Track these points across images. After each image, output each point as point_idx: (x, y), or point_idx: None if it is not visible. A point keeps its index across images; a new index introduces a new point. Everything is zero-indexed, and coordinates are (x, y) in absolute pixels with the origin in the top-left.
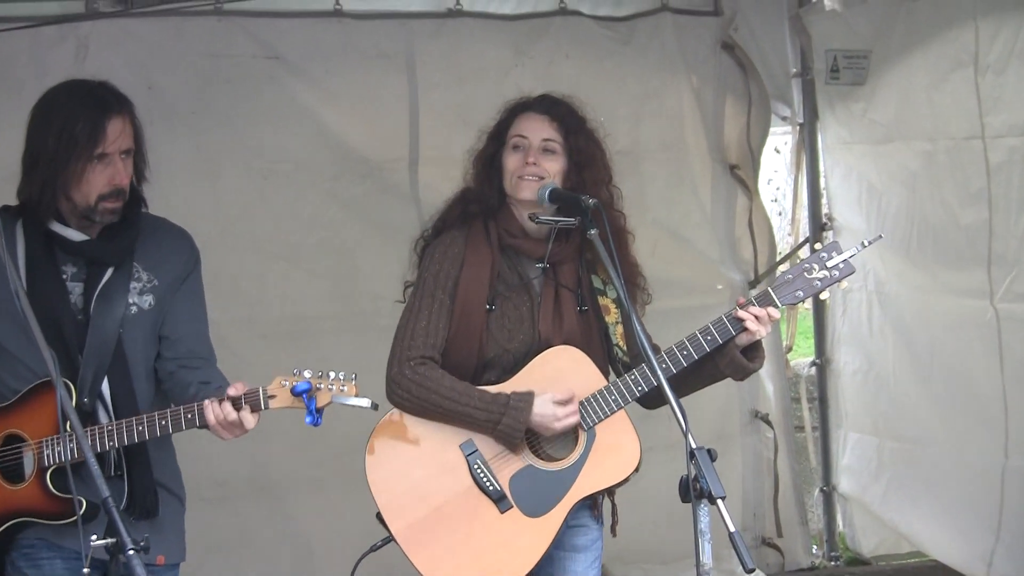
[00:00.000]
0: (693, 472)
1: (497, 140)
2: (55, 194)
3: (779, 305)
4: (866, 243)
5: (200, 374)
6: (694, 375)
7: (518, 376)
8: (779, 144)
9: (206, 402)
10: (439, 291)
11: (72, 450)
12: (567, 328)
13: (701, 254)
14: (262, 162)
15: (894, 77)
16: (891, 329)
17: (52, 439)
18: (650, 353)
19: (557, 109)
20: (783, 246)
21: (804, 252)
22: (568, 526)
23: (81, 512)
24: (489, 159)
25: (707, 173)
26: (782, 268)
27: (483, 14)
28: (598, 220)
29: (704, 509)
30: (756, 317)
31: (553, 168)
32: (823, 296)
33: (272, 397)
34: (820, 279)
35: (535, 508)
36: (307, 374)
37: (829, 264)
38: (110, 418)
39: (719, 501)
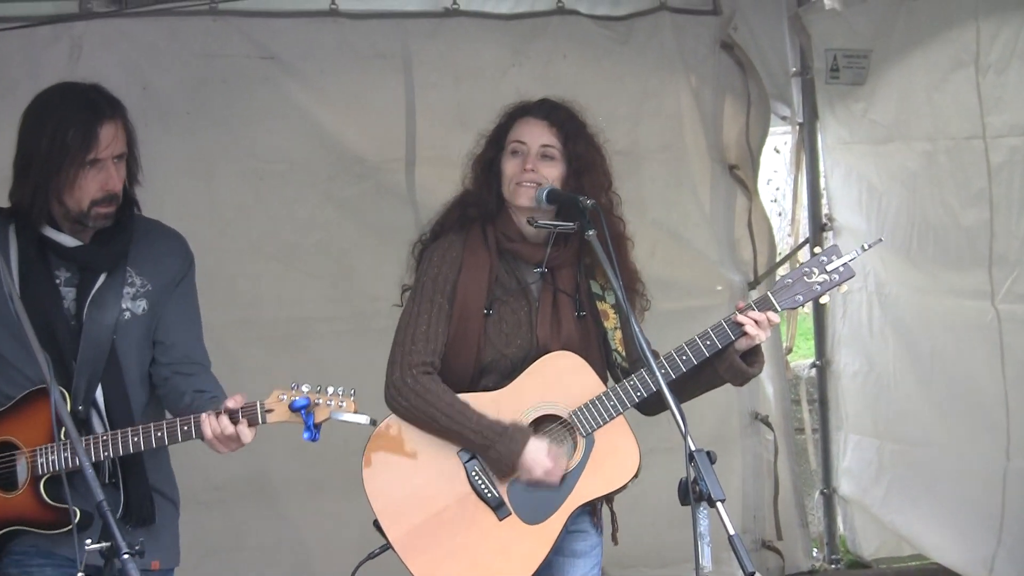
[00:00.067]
0: (692, 475)
1: (496, 144)
2: (47, 199)
3: (778, 309)
4: (866, 246)
5: (195, 381)
6: (693, 381)
7: (516, 381)
8: (779, 144)
9: (203, 415)
10: (438, 295)
11: (67, 459)
12: (565, 333)
13: (700, 255)
14: (257, 163)
15: (894, 77)
16: (892, 330)
17: (46, 447)
18: (650, 356)
19: (556, 114)
20: (783, 247)
21: (804, 252)
22: (568, 531)
23: (75, 522)
24: (488, 163)
25: (706, 173)
26: (782, 269)
27: (480, 13)
28: (596, 221)
29: (703, 512)
30: (755, 321)
31: (551, 174)
32: (823, 300)
33: (269, 411)
34: (820, 283)
35: (534, 515)
36: (305, 389)
37: (829, 268)
38: (104, 426)
39: (719, 504)
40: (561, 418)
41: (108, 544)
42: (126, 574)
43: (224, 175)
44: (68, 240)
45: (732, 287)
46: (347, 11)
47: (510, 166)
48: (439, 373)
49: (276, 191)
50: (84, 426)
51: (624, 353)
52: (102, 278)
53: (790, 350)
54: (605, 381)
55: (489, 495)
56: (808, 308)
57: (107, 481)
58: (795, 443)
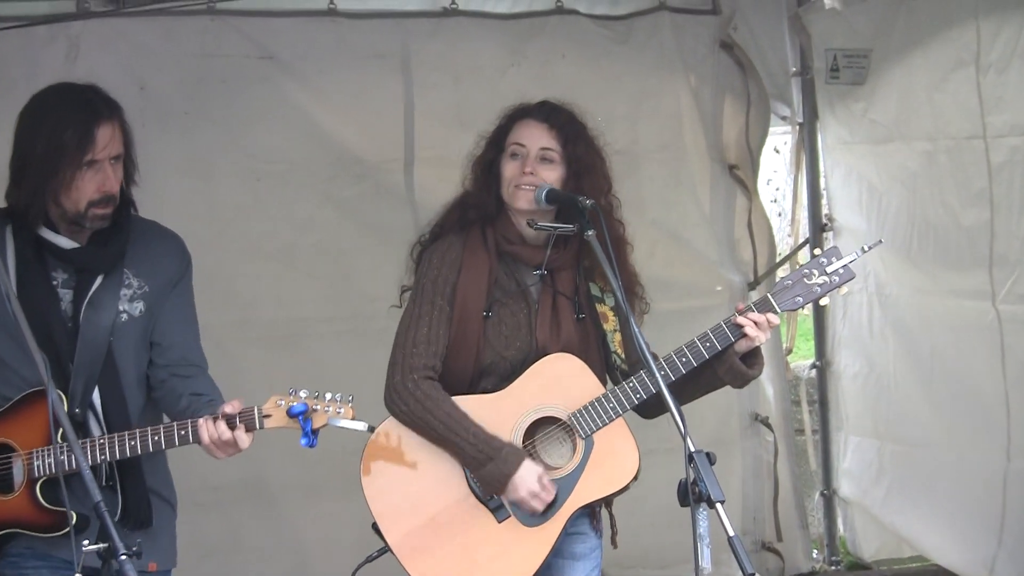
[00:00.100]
0: (692, 476)
1: (496, 146)
2: (44, 200)
3: (778, 311)
4: (866, 248)
5: (192, 384)
6: (692, 383)
7: (515, 384)
8: (778, 144)
9: (200, 420)
10: (438, 297)
11: (63, 461)
12: (565, 336)
13: (700, 255)
14: (256, 163)
15: (895, 76)
16: (892, 331)
17: (42, 450)
18: (649, 357)
19: (557, 117)
20: (783, 247)
21: (804, 253)
22: (567, 533)
23: (72, 525)
24: (488, 165)
25: (706, 173)
26: (782, 269)
27: (479, 13)
28: (595, 221)
29: (703, 513)
30: (755, 323)
31: (550, 177)
32: (823, 302)
33: (267, 417)
34: (820, 285)
35: (533, 517)
36: (303, 394)
37: (829, 270)
38: (102, 428)
39: (718, 505)
40: (560, 420)
41: (106, 545)
42: (124, 575)
43: (222, 175)
44: (65, 242)
45: (732, 287)
46: (345, 11)
47: (509, 168)
48: (439, 375)
49: (275, 191)
50: (81, 429)
51: (623, 355)
52: (99, 280)
53: (790, 351)
54: (604, 383)
55: (488, 498)
56: (808, 309)
57: (104, 484)
58: (795, 444)
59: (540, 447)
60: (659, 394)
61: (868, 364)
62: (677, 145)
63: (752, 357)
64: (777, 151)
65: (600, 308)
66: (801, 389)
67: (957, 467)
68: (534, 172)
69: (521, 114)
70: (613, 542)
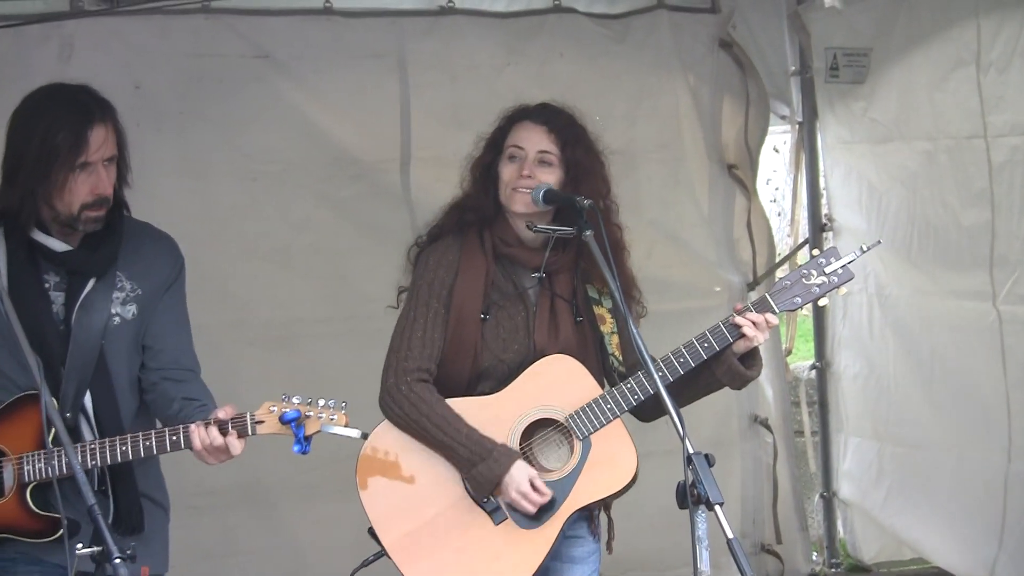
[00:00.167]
0: (691, 478)
1: (494, 148)
2: (36, 203)
3: (777, 311)
4: (865, 248)
5: (184, 388)
6: (691, 385)
7: (513, 385)
8: (778, 143)
9: (192, 426)
10: (434, 300)
11: (54, 467)
12: (563, 338)
13: (699, 256)
14: (251, 163)
15: (895, 75)
16: (892, 332)
17: (33, 455)
18: (647, 358)
19: (556, 120)
20: (782, 247)
21: (803, 253)
22: (565, 536)
23: (63, 531)
24: (486, 167)
25: (704, 173)
26: (781, 270)
27: (476, 12)
28: (593, 221)
29: (702, 515)
30: (754, 323)
31: (548, 181)
32: (821, 303)
33: (259, 423)
34: (818, 285)
35: (530, 520)
36: (296, 400)
37: (828, 270)
38: (93, 433)
39: (717, 507)
40: (558, 422)
41: (99, 549)
42: None
43: (217, 175)
44: (57, 244)
45: (731, 288)
46: (341, 9)
47: (507, 171)
48: (436, 378)
49: (270, 191)
50: (73, 433)
51: (621, 357)
52: (91, 283)
53: (789, 352)
54: (602, 385)
55: (485, 500)
56: (807, 309)
57: (96, 488)
58: (795, 446)
59: (537, 449)
60: (657, 395)
61: (868, 365)
62: (676, 145)
63: (751, 358)
64: (776, 151)
65: (598, 310)
66: (801, 390)
67: (957, 469)
68: (532, 175)
69: (520, 116)
70: (608, 547)
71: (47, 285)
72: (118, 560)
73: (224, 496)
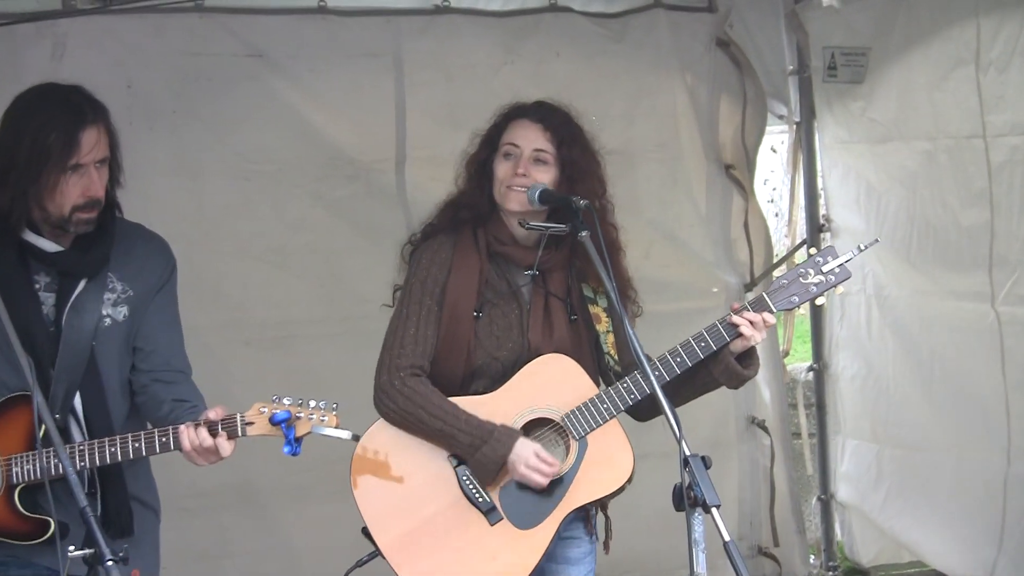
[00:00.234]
0: (687, 480)
1: (490, 145)
2: (28, 204)
3: (774, 310)
4: (862, 247)
5: (175, 390)
6: (687, 384)
7: (508, 385)
8: (775, 143)
9: (181, 427)
10: (427, 298)
11: (42, 469)
12: (557, 337)
13: (696, 256)
14: (245, 162)
15: (894, 75)
16: (890, 333)
17: (21, 456)
18: (643, 358)
19: (552, 118)
20: (780, 248)
21: (801, 253)
22: (560, 537)
23: (50, 534)
24: (481, 164)
25: (702, 173)
26: (779, 270)
27: (471, 11)
28: (589, 222)
29: (698, 518)
30: (751, 322)
31: (543, 179)
32: (819, 302)
33: (250, 424)
34: (816, 284)
35: (526, 520)
36: (287, 401)
37: (825, 269)
38: (83, 434)
39: (714, 510)
40: (554, 422)
41: (92, 551)
42: None
43: (210, 175)
44: (48, 245)
45: (728, 289)
46: (336, 8)
47: (502, 169)
48: (429, 376)
49: (264, 191)
50: (62, 434)
51: (617, 357)
52: (82, 284)
53: (787, 353)
54: (598, 385)
55: (480, 500)
56: (805, 310)
57: (86, 491)
58: (792, 448)
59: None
60: (653, 395)
61: (866, 366)
62: (673, 144)
63: (748, 357)
64: (774, 150)
65: (593, 309)
66: (798, 392)
67: (957, 471)
68: (527, 173)
69: (516, 114)
70: (606, 547)
71: (37, 286)
72: (110, 562)
73: (217, 497)
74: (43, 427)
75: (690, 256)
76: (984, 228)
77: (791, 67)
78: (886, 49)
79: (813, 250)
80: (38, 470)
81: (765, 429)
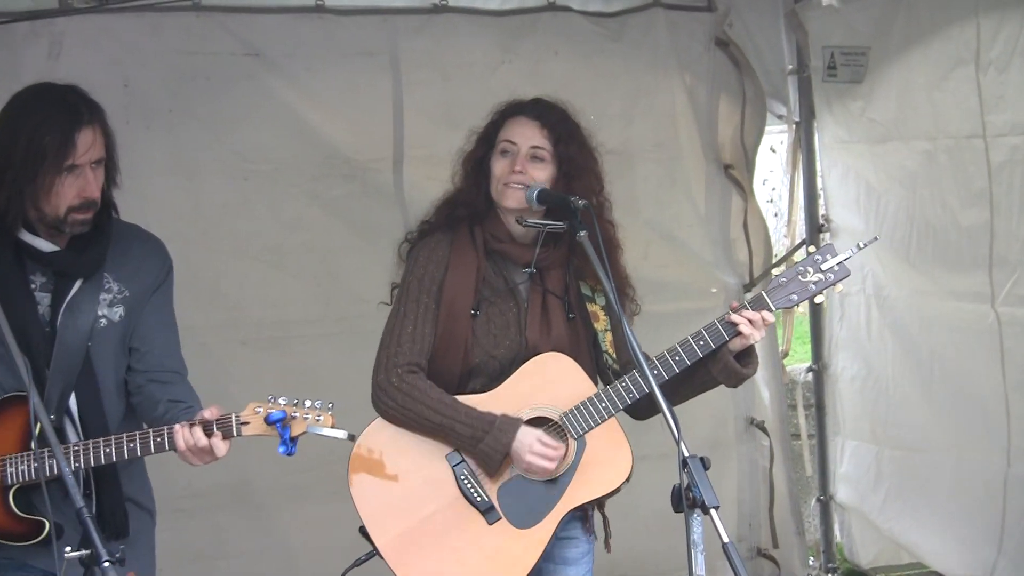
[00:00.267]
0: (686, 481)
1: (487, 142)
2: (23, 204)
3: (773, 309)
4: (861, 245)
5: (170, 390)
6: (686, 383)
7: (506, 384)
8: (775, 143)
9: (176, 427)
10: (424, 296)
11: (36, 469)
12: (555, 335)
13: (695, 256)
14: (242, 162)
15: (893, 75)
16: (890, 333)
17: (16, 457)
18: (641, 357)
19: (549, 115)
20: (779, 248)
21: (800, 254)
22: (558, 538)
23: (44, 535)
24: (478, 162)
25: (701, 173)
26: (778, 271)
27: (469, 10)
28: (588, 222)
29: (697, 519)
30: (750, 321)
31: (540, 176)
32: (818, 300)
33: (245, 424)
34: (815, 282)
35: (524, 519)
36: (282, 401)
37: (824, 267)
38: (78, 435)
39: (712, 511)
40: (552, 421)
41: (88, 552)
42: None
43: (207, 174)
44: (44, 245)
45: (727, 289)
46: (333, 7)
47: (499, 166)
48: (426, 374)
49: (261, 191)
50: (58, 435)
51: (615, 355)
52: (77, 284)
53: (786, 354)
54: (596, 383)
55: (478, 499)
56: (805, 309)
57: (81, 492)
58: (791, 449)
59: None
60: (652, 394)
61: (866, 367)
62: (672, 144)
63: (747, 356)
64: (773, 151)
65: (591, 307)
66: (797, 393)
67: (956, 472)
68: (524, 170)
69: (513, 111)
70: (607, 545)
71: (33, 286)
72: (107, 563)
73: (213, 498)
74: (38, 427)
75: (689, 256)
76: (984, 228)
77: (790, 67)
78: (886, 49)
79: (812, 248)
80: (33, 471)
81: (764, 430)
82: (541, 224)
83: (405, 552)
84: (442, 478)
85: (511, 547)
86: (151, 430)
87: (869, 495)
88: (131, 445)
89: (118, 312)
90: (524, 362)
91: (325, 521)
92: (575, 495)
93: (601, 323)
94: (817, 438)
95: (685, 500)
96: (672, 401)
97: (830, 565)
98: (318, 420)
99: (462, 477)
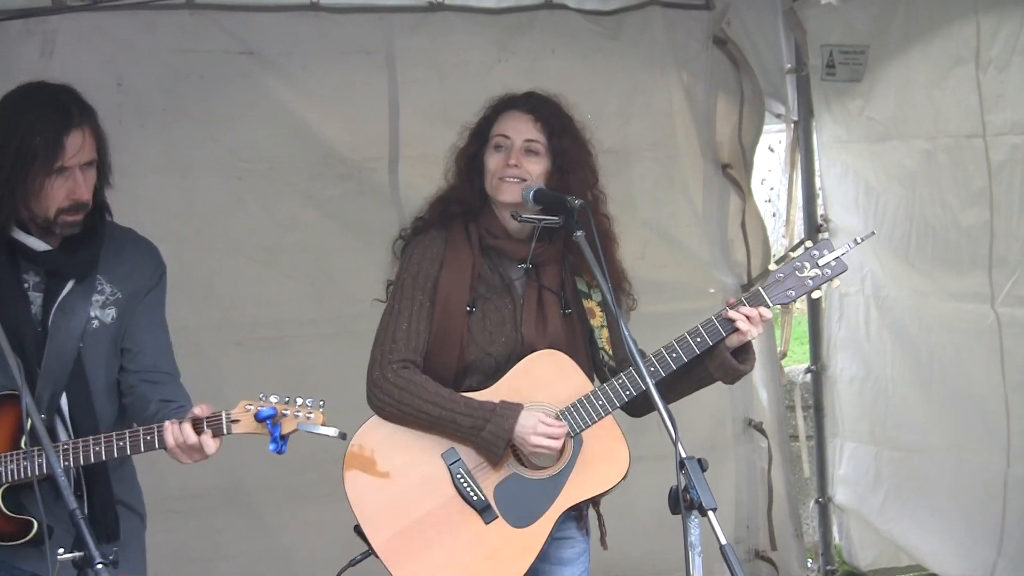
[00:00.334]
0: (683, 483)
1: (479, 138)
2: (15, 204)
3: (770, 305)
4: (859, 240)
5: (162, 390)
6: (683, 380)
7: (502, 381)
8: (773, 143)
9: (166, 424)
10: (418, 292)
11: (26, 468)
12: (551, 331)
13: (693, 256)
14: (236, 161)
15: (892, 73)
16: (889, 334)
17: (5, 456)
18: (637, 355)
19: (543, 108)
20: (778, 248)
21: (799, 252)
22: (554, 538)
23: (33, 535)
24: (471, 158)
25: (698, 173)
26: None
27: (465, 8)
28: (584, 221)
29: (695, 521)
30: (747, 317)
31: (535, 170)
32: (815, 295)
33: (235, 422)
34: (812, 277)
35: (521, 518)
36: (273, 399)
37: (821, 262)
38: (69, 435)
39: (710, 513)
40: None
41: (81, 554)
42: None
43: (201, 173)
44: (37, 243)
45: (725, 289)
46: (328, 5)
47: (493, 161)
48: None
49: (255, 190)
50: (48, 435)
51: (611, 352)
52: (70, 285)
53: (784, 354)
54: (592, 380)
55: (475, 498)
56: (802, 304)
57: (72, 493)
58: (790, 450)
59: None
60: (648, 394)
61: (865, 368)
62: (669, 143)
63: (744, 352)
64: (771, 150)
65: (587, 304)
66: (796, 394)
67: (956, 473)
68: (519, 164)
69: (506, 105)
70: (603, 543)
71: (26, 285)
72: (100, 565)
73: (208, 499)
74: (29, 423)
75: (686, 256)
76: (984, 228)
77: (789, 65)
78: (885, 47)
79: (809, 243)
80: (23, 470)
81: (762, 431)
82: (537, 219)
83: (401, 552)
84: (438, 477)
85: (508, 546)
86: (141, 428)
87: (868, 497)
88: (120, 443)
89: (110, 314)
90: (520, 359)
91: (320, 522)
92: (573, 493)
93: (597, 319)
94: (816, 439)
95: (682, 502)
96: (668, 398)
97: (829, 567)
98: (309, 418)
99: (458, 476)
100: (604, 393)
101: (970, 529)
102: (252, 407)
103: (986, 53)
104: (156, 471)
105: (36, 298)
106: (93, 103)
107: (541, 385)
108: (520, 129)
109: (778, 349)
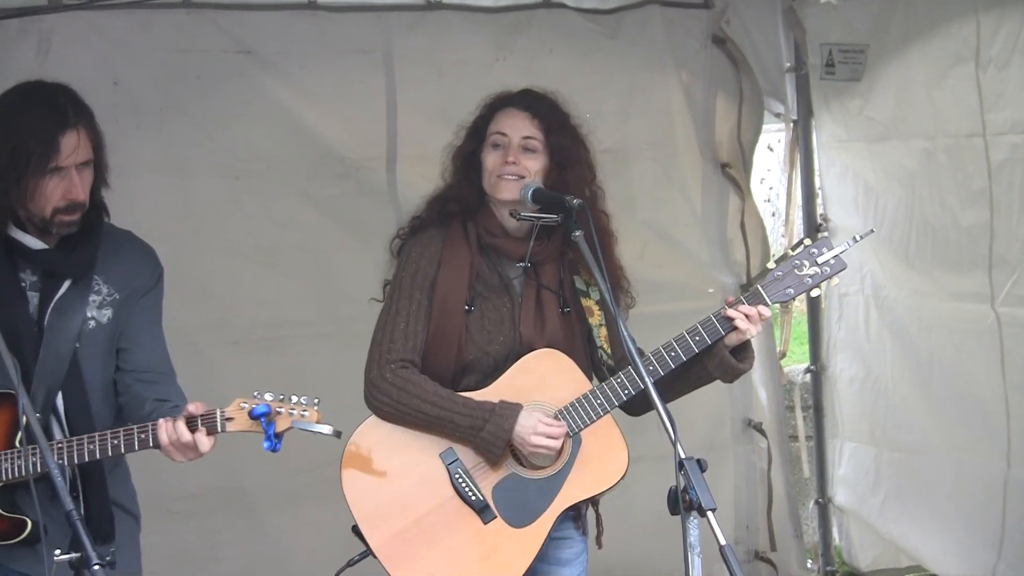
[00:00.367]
0: (682, 483)
1: (476, 136)
2: (11, 204)
3: (769, 303)
4: (858, 238)
5: (157, 389)
6: (682, 378)
7: (500, 380)
8: (772, 142)
9: (160, 421)
10: (416, 292)
11: (21, 467)
12: (550, 330)
13: (692, 256)
14: (233, 161)
15: (892, 72)
16: (889, 334)
17: (1, 455)
18: (635, 354)
19: (539, 105)
20: (777, 248)
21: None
22: (552, 538)
23: (27, 534)
24: (468, 156)
25: (697, 172)
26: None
27: (463, 7)
28: (583, 221)
29: (694, 522)
30: (746, 316)
31: (533, 167)
32: (814, 293)
33: (230, 420)
34: (811, 276)
35: (520, 518)
36: (268, 397)
37: (820, 260)
38: (65, 435)
39: (709, 513)
40: None
41: (78, 555)
42: None
43: (198, 173)
44: (34, 242)
45: (724, 289)
46: (326, 4)
47: (491, 159)
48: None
49: (253, 190)
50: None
51: (610, 350)
52: (66, 285)
53: (784, 354)
54: (591, 379)
55: (473, 498)
56: (803, 308)
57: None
58: (789, 451)
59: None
60: (647, 394)
61: (864, 368)
62: (668, 143)
63: (742, 350)
64: (771, 149)
65: (585, 302)
66: (795, 394)
67: (956, 474)
68: (517, 161)
69: (502, 103)
70: (598, 542)
71: (24, 284)
72: (97, 567)
73: (206, 500)
74: (24, 420)
75: (685, 256)
76: (984, 228)
77: (788, 64)
78: (884, 46)
79: (807, 240)
80: (18, 469)
81: (762, 432)
82: (535, 217)
83: (399, 552)
84: (436, 477)
85: (506, 546)
86: (135, 427)
87: (868, 497)
88: (115, 442)
89: (107, 314)
90: (518, 358)
91: (318, 523)
92: (572, 493)
93: (596, 318)
94: (815, 440)
95: (682, 502)
96: (667, 397)
97: (828, 568)
98: (303, 415)
99: (456, 476)
100: (603, 392)
101: (970, 530)
102: (246, 405)
103: (986, 52)
104: (153, 472)
105: (33, 297)
106: (89, 102)
107: (539, 384)
108: (517, 126)
109: (777, 349)
